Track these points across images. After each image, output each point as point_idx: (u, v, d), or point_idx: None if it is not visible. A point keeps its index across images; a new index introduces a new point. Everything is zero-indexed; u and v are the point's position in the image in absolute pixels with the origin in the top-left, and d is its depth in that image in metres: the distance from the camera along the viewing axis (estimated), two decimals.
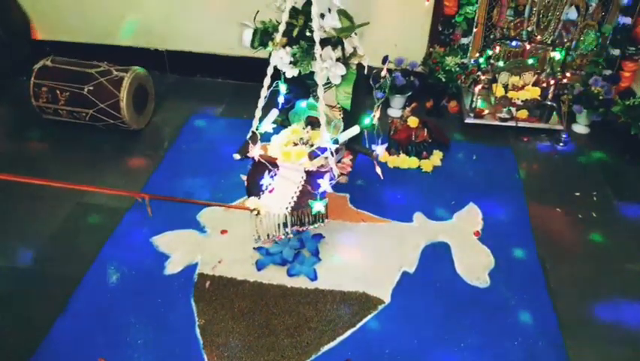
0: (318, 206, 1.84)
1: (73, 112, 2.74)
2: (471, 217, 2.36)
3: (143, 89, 2.88)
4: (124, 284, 2.01)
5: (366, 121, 2.07)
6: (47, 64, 2.77)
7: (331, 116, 2.07)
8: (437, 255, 2.17)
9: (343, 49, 1.95)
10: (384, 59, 3.01)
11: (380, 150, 2.01)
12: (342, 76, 1.92)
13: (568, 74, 2.96)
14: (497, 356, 1.79)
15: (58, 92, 2.71)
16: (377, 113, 2.13)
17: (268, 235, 1.92)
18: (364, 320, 1.89)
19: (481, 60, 2.99)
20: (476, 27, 2.98)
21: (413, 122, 2.66)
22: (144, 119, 2.93)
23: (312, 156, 1.93)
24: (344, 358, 1.77)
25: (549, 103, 2.91)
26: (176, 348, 1.78)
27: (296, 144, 2.02)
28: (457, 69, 2.92)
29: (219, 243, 2.19)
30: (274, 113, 2.06)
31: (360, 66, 2.01)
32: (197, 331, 1.84)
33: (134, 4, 3.22)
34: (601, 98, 2.83)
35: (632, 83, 3.01)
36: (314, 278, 2.04)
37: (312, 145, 1.99)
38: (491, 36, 3.03)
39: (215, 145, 2.78)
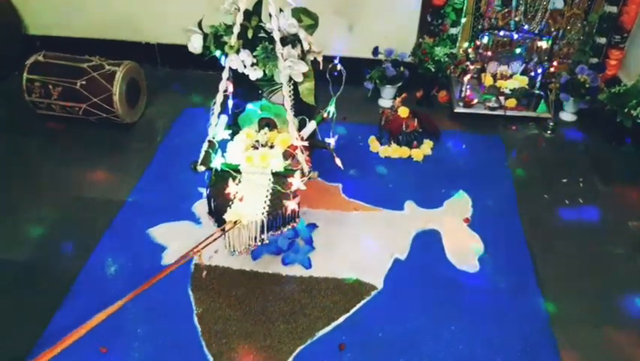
0: (292, 205, 1.83)
1: (67, 107, 2.76)
2: (461, 205, 2.41)
3: (135, 82, 2.90)
4: (122, 275, 2.05)
5: (325, 115, 2.10)
6: (39, 59, 2.78)
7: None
8: (428, 242, 2.22)
9: (302, 47, 1.96)
10: (375, 51, 3.06)
11: (333, 141, 2.03)
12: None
13: (555, 63, 3.00)
14: (487, 339, 1.85)
15: (50, 86, 2.72)
16: (331, 108, 2.10)
17: (248, 245, 1.87)
18: (358, 306, 1.94)
19: (470, 50, 3.04)
20: (465, 17, 3.03)
21: (403, 112, 2.70)
22: (137, 112, 2.95)
23: (287, 155, 1.92)
24: (338, 342, 1.82)
25: (537, 92, 2.96)
26: (175, 336, 1.83)
27: (255, 148, 1.97)
28: (447, 59, 2.95)
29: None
30: (224, 119, 2.01)
31: (314, 62, 2.02)
32: (195, 319, 1.88)
33: None
34: (587, 86, 2.88)
35: (618, 71, 3.06)
36: (308, 266, 2.09)
37: (272, 146, 1.96)
38: (479, 26, 3.07)
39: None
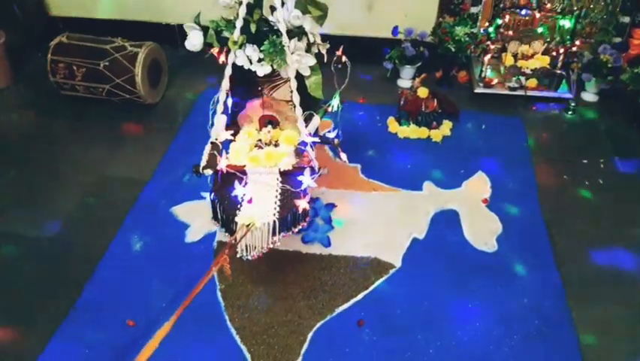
0: (303, 203, 1.77)
1: (90, 87, 2.81)
2: (480, 185, 2.42)
3: (157, 63, 2.94)
4: (147, 252, 2.11)
5: (328, 109, 2.03)
6: (63, 40, 2.83)
7: (287, 110, 1.99)
8: (446, 222, 2.24)
9: (308, 39, 1.85)
10: (394, 30, 3.04)
11: (334, 136, 1.97)
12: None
13: (577, 42, 2.96)
14: (504, 317, 1.88)
15: (74, 67, 2.77)
16: (336, 102, 2.01)
17: (261, 248, 1.79)
18: (376, 283, 1.98)
19: (491, 29, 3.01)
20: None
21: (423, 92, 2.69)
22: (159, 93, 3.00)
23: (299, 152, 1.88)
24: (357, 318, 1.87)
25: (558, 71, 2.93)
26: (199, 310, 1.88)
27: (260, 147, 1.91)
28: (467, 39, 2.93)
29: None
30: (223, 119, 1.92)
31: (318, 54, 1.91)
32: (219, 294, 1.94)
33: None
34: (610, 66, 2.84)
35: None
36: (328, 245, 2.12)
37: (277, 145, 1.91)
38: (501, 5, 3.03)
39: None
